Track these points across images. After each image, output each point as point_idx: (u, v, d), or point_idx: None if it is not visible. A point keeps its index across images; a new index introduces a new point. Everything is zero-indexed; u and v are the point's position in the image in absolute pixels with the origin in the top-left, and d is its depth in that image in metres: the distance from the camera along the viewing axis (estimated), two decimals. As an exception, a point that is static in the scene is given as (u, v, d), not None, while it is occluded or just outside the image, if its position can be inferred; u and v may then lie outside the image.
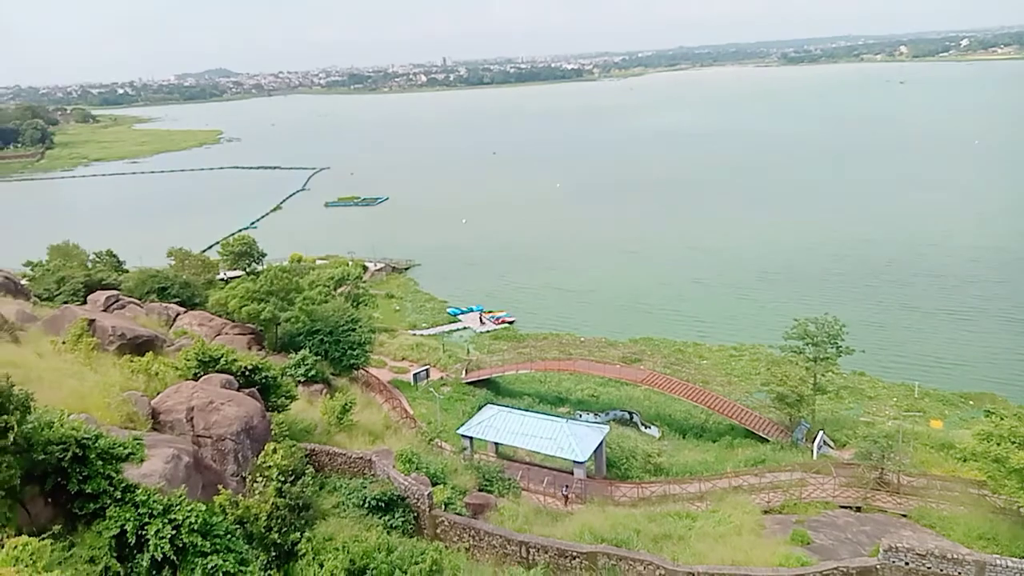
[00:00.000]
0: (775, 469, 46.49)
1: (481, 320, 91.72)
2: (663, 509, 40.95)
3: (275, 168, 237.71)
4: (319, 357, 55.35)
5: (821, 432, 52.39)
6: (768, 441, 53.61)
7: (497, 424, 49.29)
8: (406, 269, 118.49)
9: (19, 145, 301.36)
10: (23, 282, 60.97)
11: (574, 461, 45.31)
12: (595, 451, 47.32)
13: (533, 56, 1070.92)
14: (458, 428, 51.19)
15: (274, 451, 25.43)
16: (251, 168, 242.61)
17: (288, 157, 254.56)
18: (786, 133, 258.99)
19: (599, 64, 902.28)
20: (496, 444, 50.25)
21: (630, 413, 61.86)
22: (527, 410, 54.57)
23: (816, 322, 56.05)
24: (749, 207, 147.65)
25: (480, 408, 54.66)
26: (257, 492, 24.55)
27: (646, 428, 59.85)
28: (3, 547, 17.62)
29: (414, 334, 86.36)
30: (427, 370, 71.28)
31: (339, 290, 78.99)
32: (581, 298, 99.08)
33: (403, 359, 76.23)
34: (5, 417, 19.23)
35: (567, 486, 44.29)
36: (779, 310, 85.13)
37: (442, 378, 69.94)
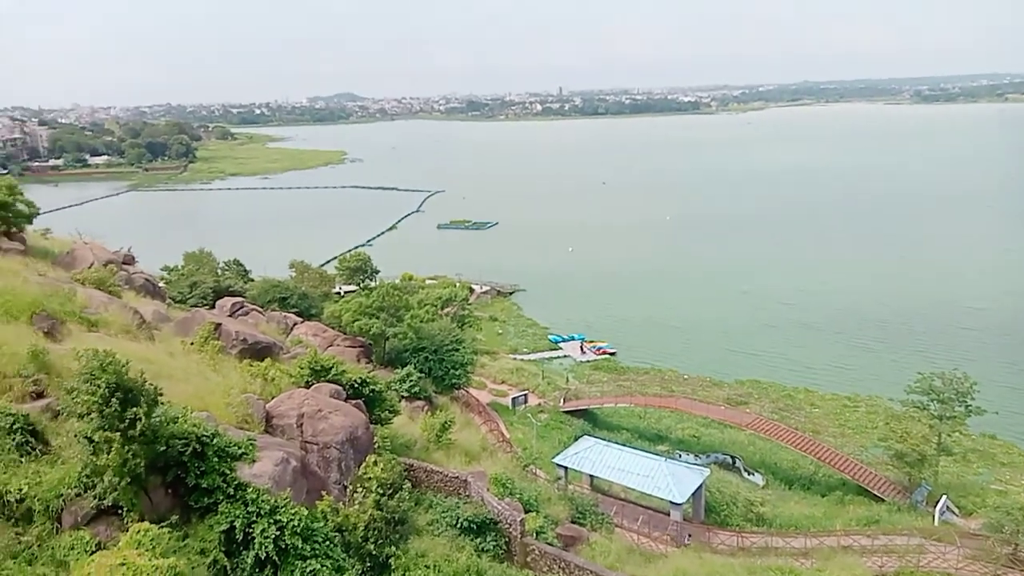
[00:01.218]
0: (890, 532, 43.25)
1: (582, 349, 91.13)
2: (764, 562, 38.91)
3: (393, 189, 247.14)
4: (423, 374, 56.53)
5: (944, 497, 48.34)
6: (883, 501, 49.99)
7: (593, 456, 48.53)
8: (510, 293, 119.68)
9: (166, 158, 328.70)
10: (160, 285, 65.86)
11: (671, 502, 43.87)
12: (694, 494, 45.66)
13: (650, 87, 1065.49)
14: (554, 457, 50.77)
15: (375, 463, 26.09)
16: (371, 188, 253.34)
17: (405, 179, 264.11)
18: (916, 174, 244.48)
19: (717, 97, 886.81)
20: (591, 477, 49.47)
21: (733, 457, 59.41)
22: (624, 445, 53.45)
23: (943, 377, 52.16)
24: (869, 251, 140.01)
25: (577, 439, 54.06)
26: (357, 502, 25.21)
27: (749, 475, 57.27)
28: (127, 531, 18.91)
29: (515, 358, 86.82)
30: (526, 395, 71.36)
31: (445, 310, 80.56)
32: (685, 335, 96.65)
33: (503, 382, 76.71)
34: (135, 409, 20.64)
35: (689, 535, 42.93)
36: (900, 362, 79.99)
37: (540, 405, 69.78)
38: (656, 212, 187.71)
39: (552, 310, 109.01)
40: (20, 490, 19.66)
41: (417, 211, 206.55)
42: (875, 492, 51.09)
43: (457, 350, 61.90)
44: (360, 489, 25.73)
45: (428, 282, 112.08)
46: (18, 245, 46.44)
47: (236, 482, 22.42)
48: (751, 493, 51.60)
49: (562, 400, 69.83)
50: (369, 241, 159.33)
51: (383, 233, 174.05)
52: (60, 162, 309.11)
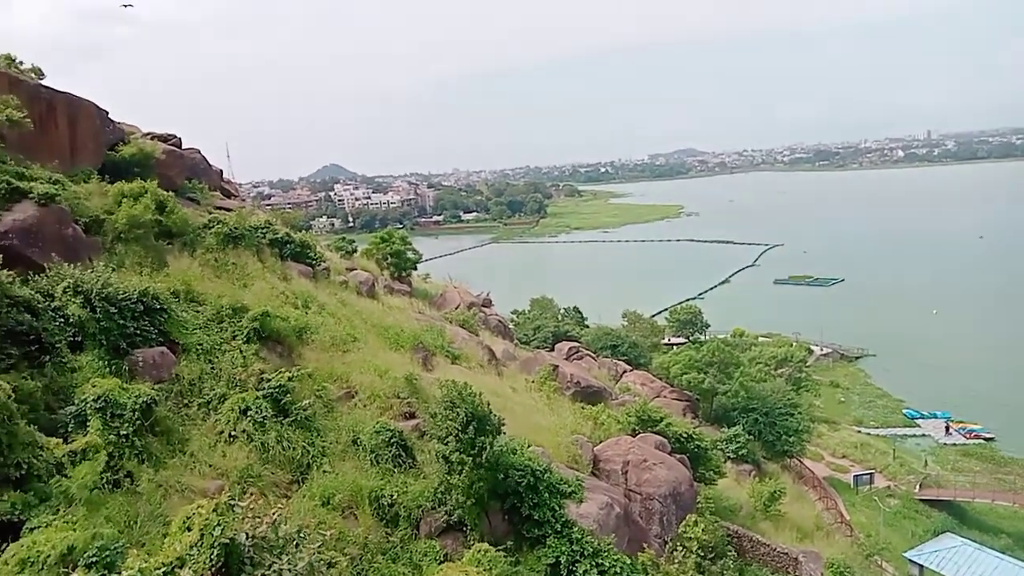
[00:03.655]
0: None
1: (947, 430, 78.12)
2: None
3: (728, 243, 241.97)
4: (751, 436, 53.79)
5: None
6: None
7: (959, 560, 40.94)
8: (856, 358, 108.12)
9: (522, 214, 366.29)
10: (510, 326, 72.94)
11: (1071, 637, 34.87)
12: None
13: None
14: (906, 551, 44.00)
15: (696, 523, 25.35)
16: (705, 242, 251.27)
17: (742, 233, 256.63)
18: None
19: None
20: (955, 583, 41.65)
21: None
22: (1004, 553, 44.12)
23: None
24: None
25: (937, 534, 46.28)
26: (676, 560, 24.70)
27: None
28: (470, 548, 21.03)
29: (859, 431, 77.89)
30: (871, 475, 63.33)
31: (779, 371, 76.06)
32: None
33: (843, 456, 69.20)
34: (483, 438, 23.02)
35: None
36: None
37: (889, 487, 61.31)
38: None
39: (908, 381, 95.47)
40: (391, 496, 23.08)
41: (752, 265, 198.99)
42: None
43: (792, 415, 57.73)
44: (680, 548, 25.18)
45: (761, 340, 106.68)
46: (406, 287, 55.50)
47: (564, 519, 23.55)
48: None
49: (918, 486, 60.50)
50: (700, 294, 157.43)
51: (715, 287, 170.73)
52: (440, 218, 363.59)
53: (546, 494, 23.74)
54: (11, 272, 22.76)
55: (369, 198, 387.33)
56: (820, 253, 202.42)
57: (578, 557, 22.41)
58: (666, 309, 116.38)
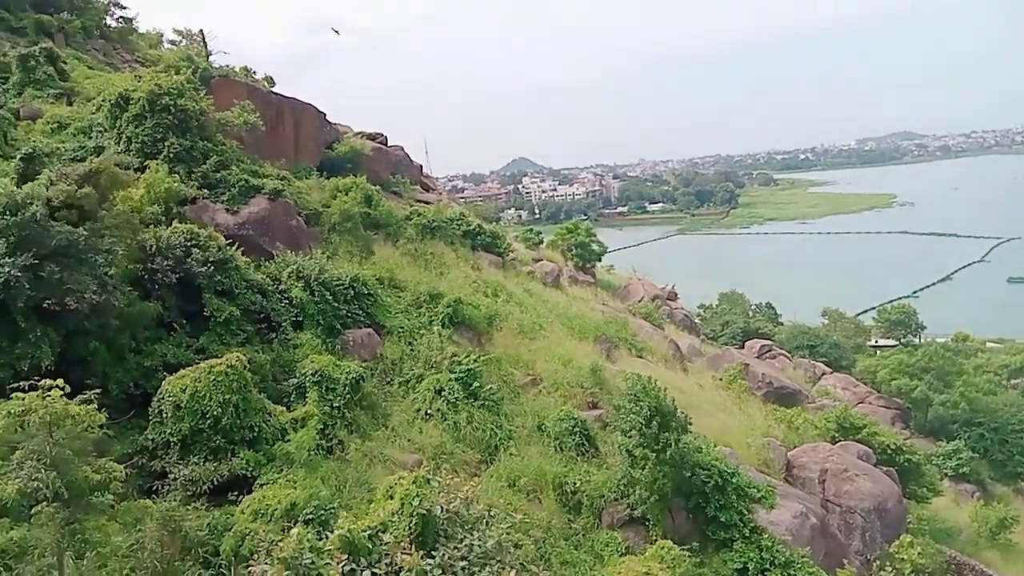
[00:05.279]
0: None
1: None
2: None
3: (950, 236, 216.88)
4: (975, 454, 47.95)
5: None
6: None
7: None
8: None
9: (711, 204, 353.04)
10: (696, 321, 70.65)
11: None
12: None
13: None
14: None
15: (911, 544, 23.04)
16: (921, 234, 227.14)
17: (967, 224, 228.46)
18: None
19: None
20: None
21: None
22: None
23: None
24: None
25: None
26: (882, 582, 22.67)
27: None
28: (652, 543, 20.74)
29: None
30: None
31: (1013, 381, 67.02)
32: None
33: (1096, 485, 59.48)
34: (667, 434, 22.52)
35: None
36: None
37: None
38: None
39: None
40: (574, 483, 23.37)
41: (981, 260, 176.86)
42: None
43: (1029, 433, 50.61)
44: (890, 569, 23.02)
45: (990, 345, 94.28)
46: (590, 278, 55.66)
47: (752, 524, 22.53)
48: None
49: None
50: (915, 292, 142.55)
51: (933, 284, 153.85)
52: (625, 209, 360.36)
53: (733, 496, 22.82)
54: (247, 259, 25.89)
55: (555, 190, 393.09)
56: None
57: (768, 566, 21.31)
58: (873, 308, 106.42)
